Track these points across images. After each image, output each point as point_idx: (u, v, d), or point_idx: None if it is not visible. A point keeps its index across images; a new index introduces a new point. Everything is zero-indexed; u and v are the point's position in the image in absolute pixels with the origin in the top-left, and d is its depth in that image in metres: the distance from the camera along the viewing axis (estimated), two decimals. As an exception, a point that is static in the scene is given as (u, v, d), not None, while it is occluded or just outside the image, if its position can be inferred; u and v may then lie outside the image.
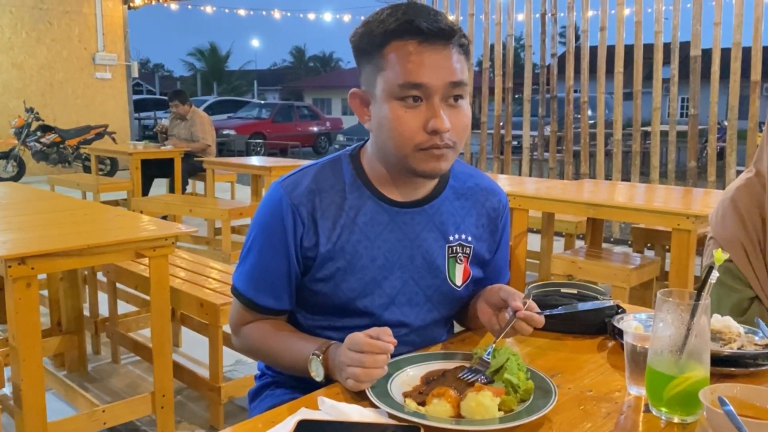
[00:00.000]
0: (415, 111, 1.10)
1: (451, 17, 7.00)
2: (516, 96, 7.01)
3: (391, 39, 1.10)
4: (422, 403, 0.96)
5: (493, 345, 1.08)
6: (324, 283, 1.20)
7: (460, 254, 1.24)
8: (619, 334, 1.20)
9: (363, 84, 1.18)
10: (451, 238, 1.24)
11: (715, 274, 0.97)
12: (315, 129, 18.91)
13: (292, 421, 0.92)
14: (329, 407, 0.96)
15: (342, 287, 1.19)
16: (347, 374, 1.00)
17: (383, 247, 1.19)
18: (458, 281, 1.25)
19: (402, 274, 1.20)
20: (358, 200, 1.20)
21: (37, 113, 10.13)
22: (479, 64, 7.17)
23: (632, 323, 1.22)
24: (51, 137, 10.07)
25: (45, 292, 3.06)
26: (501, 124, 6.84)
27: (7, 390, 2.40)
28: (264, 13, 18.97)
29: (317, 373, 1.10)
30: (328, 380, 1.09)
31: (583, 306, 1.24)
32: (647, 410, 0.98)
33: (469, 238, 1.26)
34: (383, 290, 1.20)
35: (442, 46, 1.09)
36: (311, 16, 17.67)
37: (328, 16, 16.34)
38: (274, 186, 1.21)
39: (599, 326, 1.28)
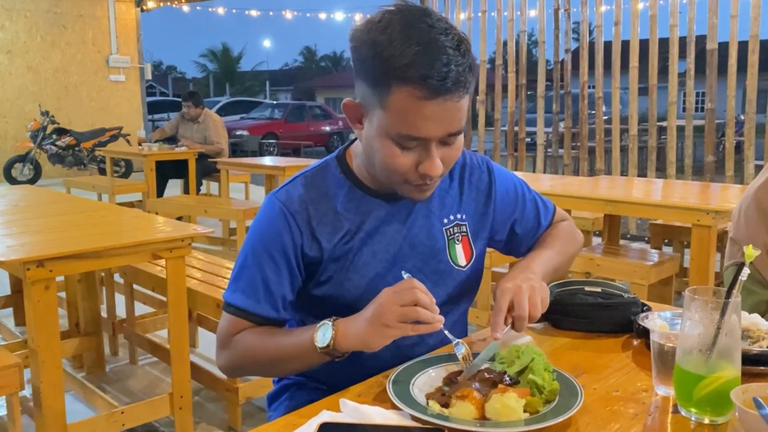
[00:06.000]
0: (409, 152, 1.08)
1: (462, 14, 6.96)
2: (529, 92, 6.94)
3: (398, 82, 1.02)
4: (445, 405, 0.95)
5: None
6: (327, 285, 1.20)
7: (457, 234, 1.26)
8: (644, 332, 1.17)
9: (358, 96, 1.12)
10: (445, 220, 1.26)
11: (746, 271, 0.94)
12: (327, 128, 18.94)
13: (314, 423, 0.91)
14: (351, 410, 0.94)
15: (346, 286, 1.19)
16: (396, 316, 1.02)
17: (383, 241, 1.20)
18: (461, 261, 1.26)
19: (405, 264, 1.21)
20: (351, 201, 1.20)
21: (53, 116, 10.21)
22: (492, 61, 7.12)
23: (657, 321, 1.20)
24: (66, 140, 10.16)
25: (63, 294, 3.08)
26: (514, 120, 6.80)
27: (27, 392, 2.40)
28: (271, 13, 19.00)
29: (323, 338, 1.06)
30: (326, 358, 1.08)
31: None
32: (676, 411, 0.96)
33: (464, 216, 1.28)
34: (388, 283, 1.17)
35: (449, 99, 1.03)
36: (322, 15, 17.69)
37: (339, 16, 16.32)
38: (269, 198, 1.20)
39: (623, 324, 1.26)
